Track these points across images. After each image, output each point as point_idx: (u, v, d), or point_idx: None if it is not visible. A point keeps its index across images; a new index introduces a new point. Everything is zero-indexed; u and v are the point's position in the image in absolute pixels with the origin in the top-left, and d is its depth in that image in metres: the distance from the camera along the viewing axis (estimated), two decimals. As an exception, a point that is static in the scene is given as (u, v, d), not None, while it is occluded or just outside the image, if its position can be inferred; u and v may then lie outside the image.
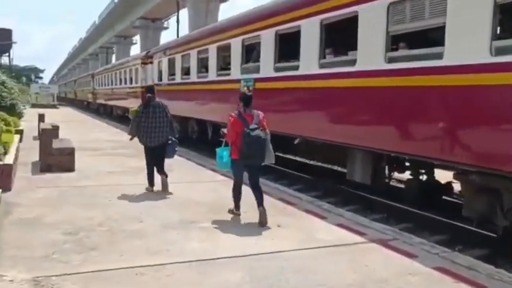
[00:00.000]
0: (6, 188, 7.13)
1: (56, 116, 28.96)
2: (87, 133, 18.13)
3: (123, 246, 4.85)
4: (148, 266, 4.30)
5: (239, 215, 6.14)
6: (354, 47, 7.75)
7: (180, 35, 29.59)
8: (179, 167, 10.35)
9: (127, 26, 65.18)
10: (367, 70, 7.43)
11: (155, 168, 7.67)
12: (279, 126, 9.54)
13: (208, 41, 13.67)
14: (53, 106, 45.07)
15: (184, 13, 41.96)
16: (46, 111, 33.77)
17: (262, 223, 5.75)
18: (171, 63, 17.39)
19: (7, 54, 70.16)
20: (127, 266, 4.28)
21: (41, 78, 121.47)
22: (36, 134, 13.75)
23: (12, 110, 11.82)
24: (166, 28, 63.13)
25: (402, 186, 9.18)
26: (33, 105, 44.29)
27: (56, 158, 9.11)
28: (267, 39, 10.02)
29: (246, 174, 6.10)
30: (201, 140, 15.42)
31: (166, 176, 7.59)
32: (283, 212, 6.56)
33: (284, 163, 11.72)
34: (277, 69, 9.79)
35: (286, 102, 9.72)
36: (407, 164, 8.02)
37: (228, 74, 12.20)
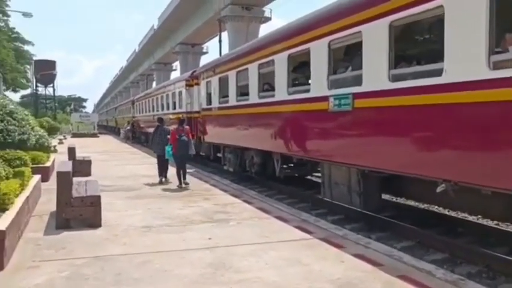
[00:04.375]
0: (-4, 266, 4.87)
1: (93, 145, 27.56)
2: (123, 166, 16.10)
3: None
4: None
5: (182, 186, 10.92)
6: None
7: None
8: (238, 214, 7.92)
9: (167, 52, 64.51)
10: None
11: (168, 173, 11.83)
12: (401, 163, 6.77)
13: (272, 50, 10.56)
14: (94, 135, 44.32)
15: (224, 36, 40.55)
16: (85, 140, 33.03)
17: (179, 186, 11.00)
18: (223, 83, 14.16)
19: (51, 85, 70.61)
20: None
21: (84, 107, 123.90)
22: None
23: (23, 146, 9.57)
24: (206, 53, 61.97)
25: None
26: (74, 135, 43.61)
27: (75, 210, 6.79)
28: (376, 36, 6.95)
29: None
30: (263, 175, 12.63)
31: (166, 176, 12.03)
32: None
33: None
34: (395, 78, 6.76)
35: (416, 127, 6.44)
36: None
37: (307, 91, 9.23)
